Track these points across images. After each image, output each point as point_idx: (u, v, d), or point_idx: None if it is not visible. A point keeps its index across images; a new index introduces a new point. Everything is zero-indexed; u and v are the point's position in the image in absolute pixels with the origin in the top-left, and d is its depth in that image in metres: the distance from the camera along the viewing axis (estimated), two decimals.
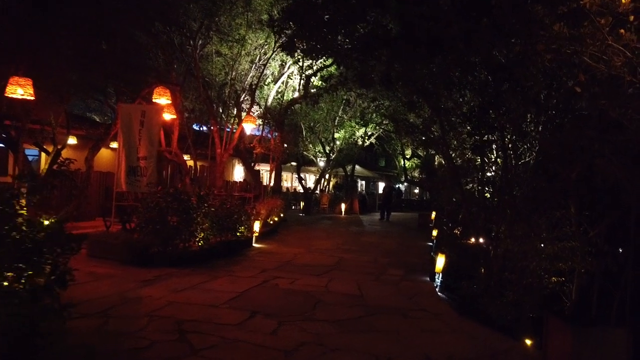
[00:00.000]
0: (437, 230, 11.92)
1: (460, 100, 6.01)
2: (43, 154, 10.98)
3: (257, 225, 10.35)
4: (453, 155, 8.33)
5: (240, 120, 13.78)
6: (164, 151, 13.25)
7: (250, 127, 13.66)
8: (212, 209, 8.02)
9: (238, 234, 9.32)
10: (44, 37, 10.01)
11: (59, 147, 10.98)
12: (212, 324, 4.31)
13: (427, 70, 5.85)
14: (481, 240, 7.13)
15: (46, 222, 3.73)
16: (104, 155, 15.89)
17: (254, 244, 10.13)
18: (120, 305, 4.79)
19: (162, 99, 9.94)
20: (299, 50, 9.45)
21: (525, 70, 4.13)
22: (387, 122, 18.20)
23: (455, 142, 6.80)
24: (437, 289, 6.84)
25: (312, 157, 23.65)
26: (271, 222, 13.67)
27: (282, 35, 10.31)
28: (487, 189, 7.29)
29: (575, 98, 4.22)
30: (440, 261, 7.18)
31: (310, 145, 22.23)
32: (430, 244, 11.85)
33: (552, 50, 3.79)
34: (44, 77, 10.57)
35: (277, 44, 12.29)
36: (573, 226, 5.17)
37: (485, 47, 5.00)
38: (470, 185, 7.75)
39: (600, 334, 3.95)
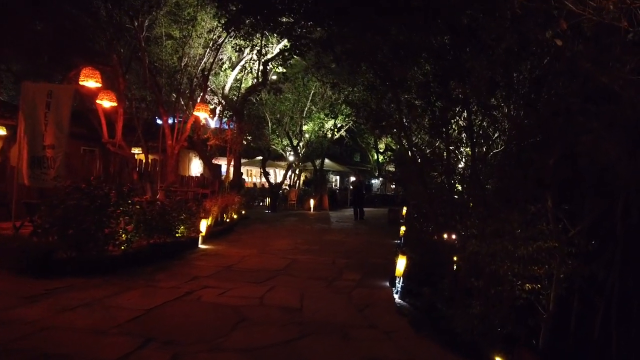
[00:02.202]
0: (405, 227, 11.06)
1: (416, 70, 5.04)
2: None
3: (203, 225, 9.24)
4: (418, 142, 7.42)
5: (193, 109, 12.63)
6: (107, 143, 12.02)
7: (203, 116, 12.51)
8: (138, 207, 6.87)
9: (178, 234, 8.20)
10: None
11: None
12: None
13: (380, 39, 4.85)
14: (448, 238, 6.26)
15: None
16: None
17: (200, 245, 9.03)
18: None
19: (90, 81, 8.73)
20: (243, 27, 8.33)
21: (491, 21, 3.18)
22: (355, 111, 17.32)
23: (414, 126, 5.84)
24: (396, 297, 5.91)
25: (280, 151, 22.55)
26: (227, 220, 12.56)
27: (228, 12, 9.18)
28: (453, 181, 6.39)
29: (553, 60, 3.31)
30: (401, 263, 6.25)
31: (278, 138, 21.13)
32: (398, 241, 10.97)
33: None
34: None
35: (223, 22, 11.12)
36: (550, 223, 4.30)
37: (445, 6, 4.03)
38: (441, 177, 6.86)
39: None
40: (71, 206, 5.85)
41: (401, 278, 6.20)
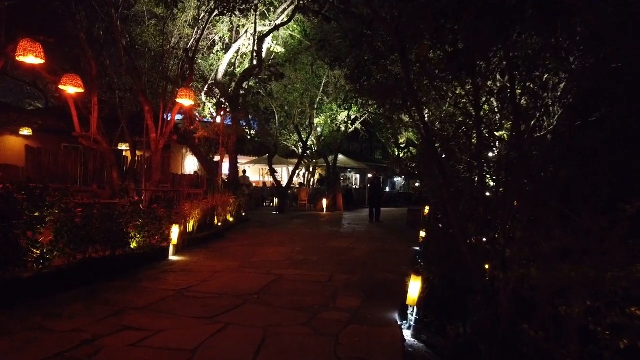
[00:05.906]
0: (425, 231, 9.13)
1: None
2: None
3: (175, 231, 7.55)
4: (434, 119, 5.55)
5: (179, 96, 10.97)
6: (79, 137, 10.52)
7: (188, 104, 10.85)
8: (57, 211, 5.17)
9: (134, 245, 6.53)
10: None
11: None
12: None
13: None
14: (479, 242, 4.37)
15: None
16: (12, 143, 13.07)
17: (170, 257, 7.37)
18: None
19: (29, 56, 7.16)
20: None
21: None
22: (372, 102, 15.40)
23: (433, 92, 3.95)
24: (407, 335, 4.07)
25: (292, 147, 20.82)
26: (219, 224, 10.89)
27: None
28: (486, 171, 4.46)
29: None
30: (415, 287, 4.41)
31: (288, 134, 19.39)
32: (417, 248, 9.07)
33: None
34: None
35: None
36: None
37: None
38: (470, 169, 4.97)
39: None
40: None
41: (415, 308, 4.36)
